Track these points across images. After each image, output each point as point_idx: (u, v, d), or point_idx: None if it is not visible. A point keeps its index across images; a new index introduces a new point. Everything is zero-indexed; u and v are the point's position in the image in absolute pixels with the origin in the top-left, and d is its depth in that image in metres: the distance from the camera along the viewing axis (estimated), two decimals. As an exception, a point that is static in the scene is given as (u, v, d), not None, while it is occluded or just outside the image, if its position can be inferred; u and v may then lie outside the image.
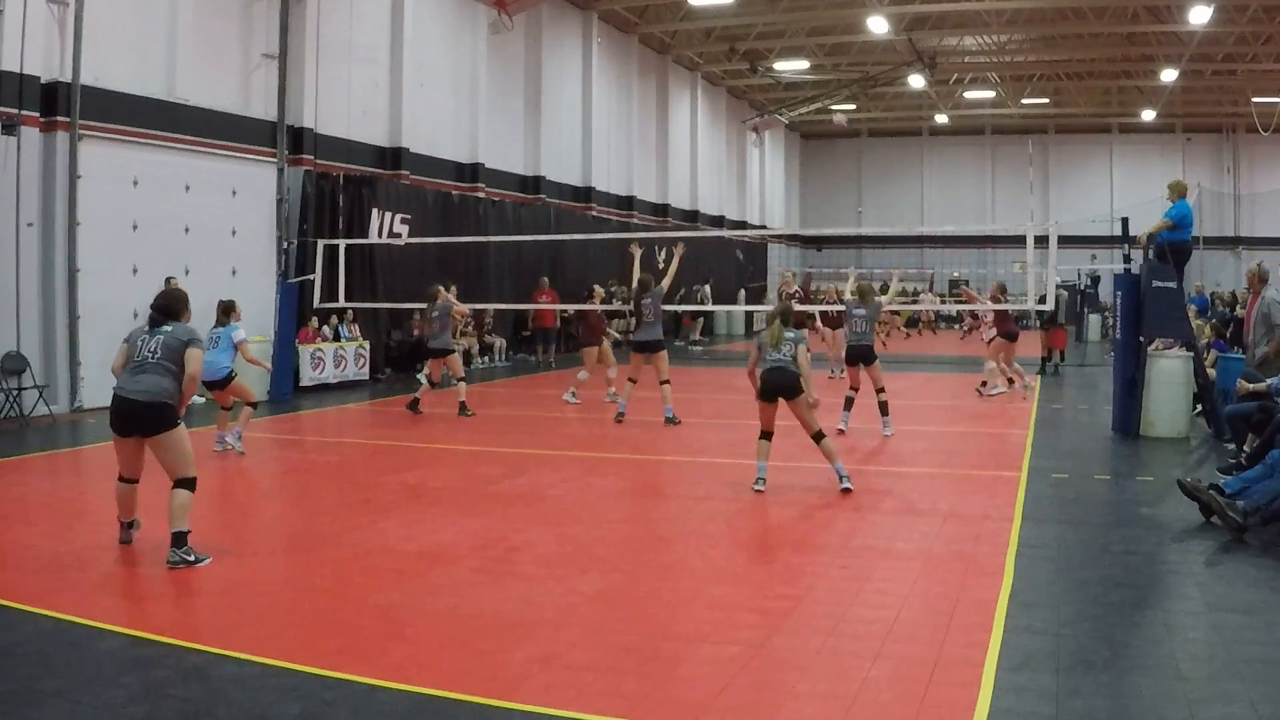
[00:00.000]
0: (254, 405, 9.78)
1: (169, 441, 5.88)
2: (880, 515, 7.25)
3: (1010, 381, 14.73)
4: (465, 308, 13.75)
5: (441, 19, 20.03)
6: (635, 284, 11.93)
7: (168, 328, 6.05)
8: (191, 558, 5.77)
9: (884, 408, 10.84)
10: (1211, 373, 11.21)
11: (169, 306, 6.18)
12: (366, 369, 16.48)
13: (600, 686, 4.06)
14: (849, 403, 11.12)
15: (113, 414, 5.98)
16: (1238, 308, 15.59)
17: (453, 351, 12.87)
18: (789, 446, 10.35)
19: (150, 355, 5.93)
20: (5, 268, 11.88)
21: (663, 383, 11.71)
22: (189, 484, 5.90)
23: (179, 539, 5.79)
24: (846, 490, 7.73)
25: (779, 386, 7.79)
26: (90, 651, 4.44)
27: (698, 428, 11.47)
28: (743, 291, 30.50)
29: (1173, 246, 10.93)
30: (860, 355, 10.89)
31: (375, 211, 17.01)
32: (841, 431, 10.73)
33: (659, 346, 11.73)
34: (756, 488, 7.85)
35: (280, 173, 15.84)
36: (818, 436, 7.84)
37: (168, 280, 13.25)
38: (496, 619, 4.88)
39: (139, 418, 5.86)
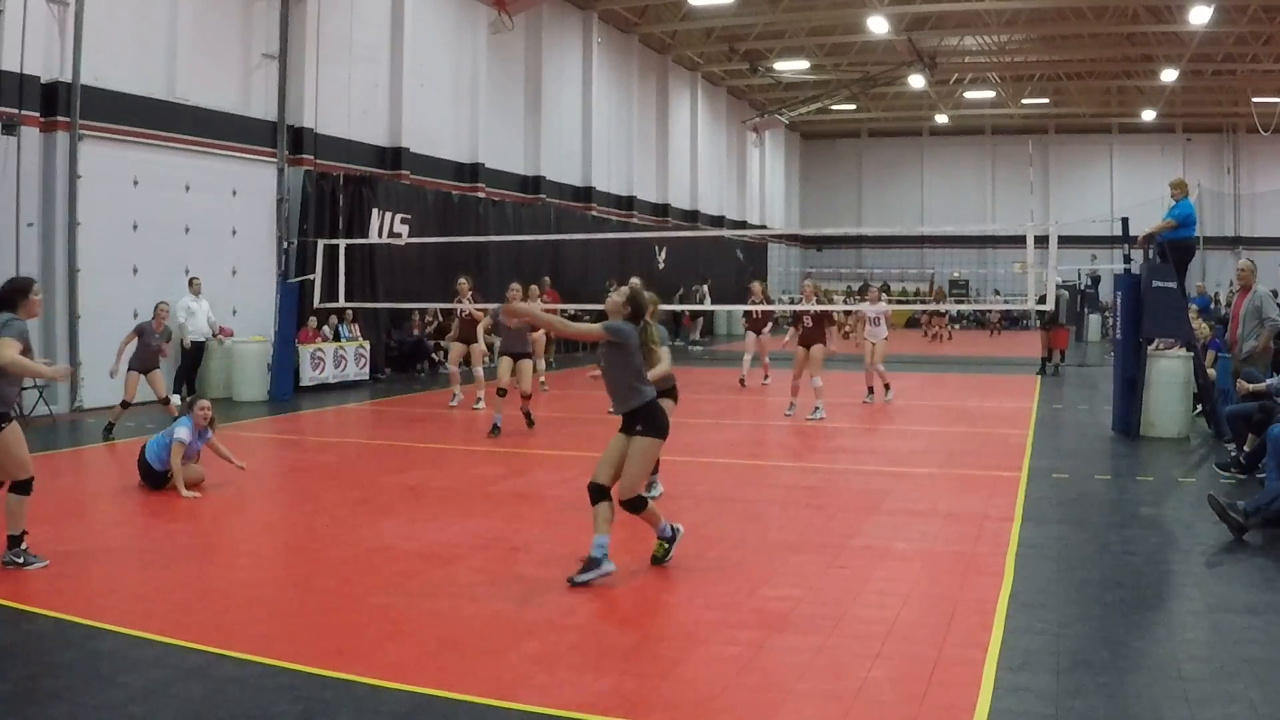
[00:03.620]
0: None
1: None
2: (880, 515, 7.24)
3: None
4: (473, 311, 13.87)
5: (441, 19, 20.03)
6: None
7: None
8: (20, 560, 5.46)
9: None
10: (1211, 373, 11.21)
11: (5, 296, 5.47)
12: (366, 369, 16.48)
13: (600, 686, 4.06)
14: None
15: None
16: (1223, 307, 15.57)
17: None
18: (789, 446, 10.37)
19: None
20: (5, 268, 11.85)
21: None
22: (22, 487, 5.52)
23: (13, 541, 5.46)
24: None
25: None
26: (90, 651, 4.44)
27: (697, 428, 11.45)
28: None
29: (1177, 244, 10.93)
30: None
31: (375, 211, 17.01)
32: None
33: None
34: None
35: (280, 173, 15.85)
36: None
37: (191, 281, 13.86)
38: (496, 619, 4.88)
39: None
